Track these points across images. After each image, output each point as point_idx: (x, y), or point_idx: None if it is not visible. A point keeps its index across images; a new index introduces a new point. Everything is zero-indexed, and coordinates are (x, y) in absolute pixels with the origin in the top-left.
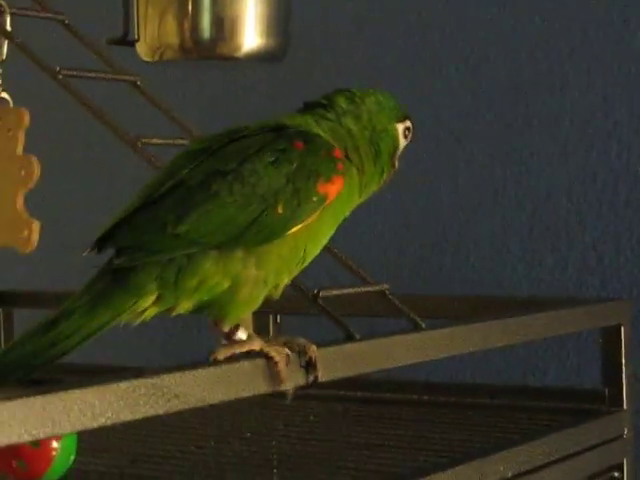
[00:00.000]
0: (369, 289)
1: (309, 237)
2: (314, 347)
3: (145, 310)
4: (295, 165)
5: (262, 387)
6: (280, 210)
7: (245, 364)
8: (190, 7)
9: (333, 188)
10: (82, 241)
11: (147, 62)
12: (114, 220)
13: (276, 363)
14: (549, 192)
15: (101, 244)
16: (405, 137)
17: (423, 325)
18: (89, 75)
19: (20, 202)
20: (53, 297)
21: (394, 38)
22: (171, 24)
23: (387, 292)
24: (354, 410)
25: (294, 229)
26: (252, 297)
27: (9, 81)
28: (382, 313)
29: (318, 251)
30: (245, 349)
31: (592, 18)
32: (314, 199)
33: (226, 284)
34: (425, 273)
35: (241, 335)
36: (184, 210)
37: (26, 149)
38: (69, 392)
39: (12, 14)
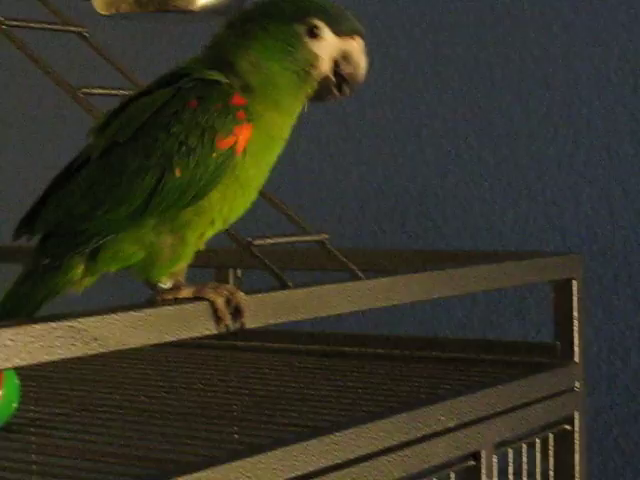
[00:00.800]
0: (307, 238)
1: (228, 194)
2: (242, 294)
3: (80, 280)
4: (187, 125)
5: (186, 330)
6: (178, 173)
7: (167, 309)
8: None
9: (239, 139)
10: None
11: (103, 16)
12: (34, 204)
13: (213, 302)
14: (510, 145)
15: (22, 230)
16: (312, 34)
17: (361, 276)
18: (34, 25)
19: None
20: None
21: None
22: None
23: (326, 242)
24: (310, 363)
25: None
26: (174, 257)
27: None
28: (321, 265)
29: (247, 203)
30: (181, 295)
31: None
32: (214, 156)
33: (142, 253)
34: (384, 227)
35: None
36: (93, 198)
37: None
38: None
39: None
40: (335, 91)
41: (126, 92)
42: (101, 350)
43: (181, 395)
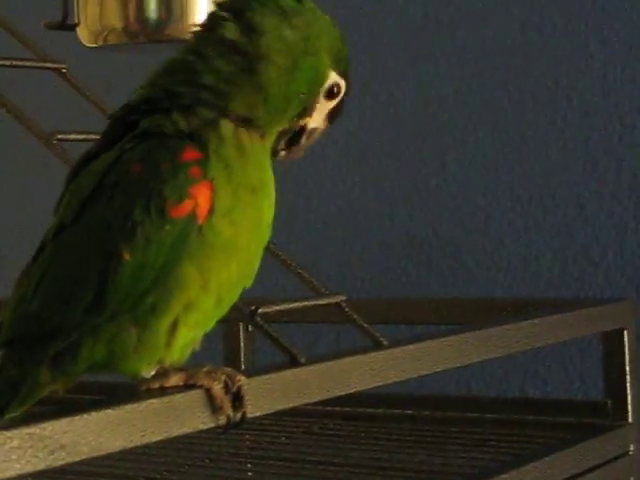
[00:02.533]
0: (320, 302)
1: (209, 266)
2: (242, 377)
3: (52, 385)
4: (130, 197)
5: (176, 426)
6: (127, 256)
7: (152, 402)
8: None
9: (199, 201)
10: None
11: (89, 47)
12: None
13: (209, 389)
14: (547, 182)
15: None
16: (329, 98)
17: (384, 342)
18: (3, 63)
19: None
20: None
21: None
22: (114, 4)
23: (343, 305)
24: (331, 428)
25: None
26: (144, 350)
27: None
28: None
29: (247, 270)
30: (170, 384)
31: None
32: (167, 228)
33: (104, 350)
34: (410, 272)
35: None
36: (43, 297)
37: None
38: None
39: None
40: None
41: None
42: (70, 460)
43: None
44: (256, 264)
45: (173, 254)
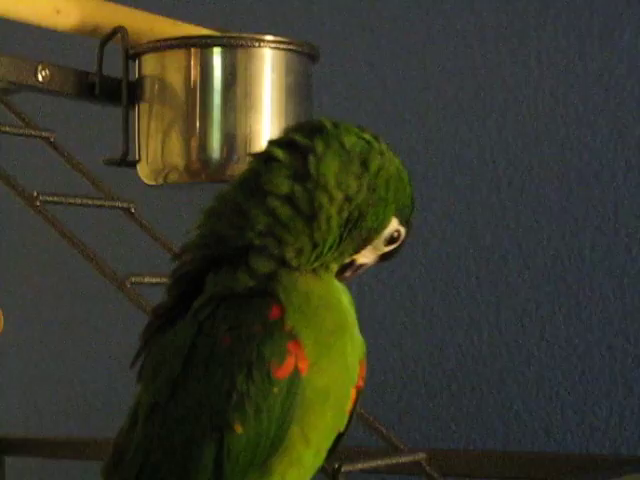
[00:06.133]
0: (401, 460)
1: (303, 425)
2: None
3: None
4: (229, 369)
5: None
6: (239, 430)
7: None
8: (198, 123)
9: (298, 354)
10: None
11: (149, 185)
12: None
13: None
14: (602, 330)
15: None
16: (387, 244)
17: None
18: (72, 201)
19: None
20: (45, 444)
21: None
22: (176, 143)
23: (423, 462)
24: None
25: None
26: None
27: None
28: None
29: (339, 417)
30: None
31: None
32: (275, 391)
33: None
34: (458, 421)
35: None
36: None
37: None
38: None
39: None
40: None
41: None
42: None
43: None
44: (348, 406)
45: (284, 416)
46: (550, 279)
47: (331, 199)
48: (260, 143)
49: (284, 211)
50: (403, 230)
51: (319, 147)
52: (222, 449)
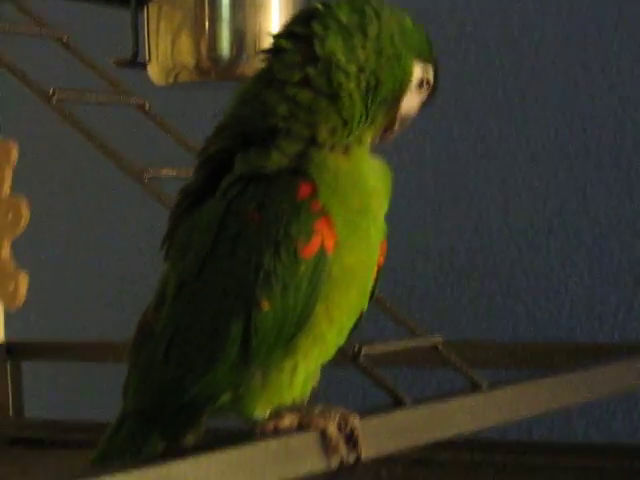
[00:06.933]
0: (419, 343)
1: (329, 303)
2: (355, 417)
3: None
4: (257, 247)
5: (292, 468)
6: (266, 307)
7: (270, 443)
8: (207, 22)
9: (325, 234)
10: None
11: (160, 86)
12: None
13: (323, 430)
14: (610, 223)
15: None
16: (420, 89)
17: (483, 385)
18: (87, 98)
19: (6, 251)
20: (59, 348)
21: None
22: (186, 42)
23: (440, 346)
24: (400, 474)
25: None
26: (279, 392)
27: None
28: (433, 367)
29: (363, 296)
30: (284, 425)
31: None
32: (302, 269)
33: (228, 398)
34: (471, 313)
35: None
36: (182, 363)
37: (14, 188)
38: None
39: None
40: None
41: None
42: None
43: None
44: (370, 286)
45: (310, 295)
46: (558, 174)
47: (346, 74)
48: (269, 41)
49: (304, 95)
50: (430, 69)
51: (319, 31)
52: (249, 325)
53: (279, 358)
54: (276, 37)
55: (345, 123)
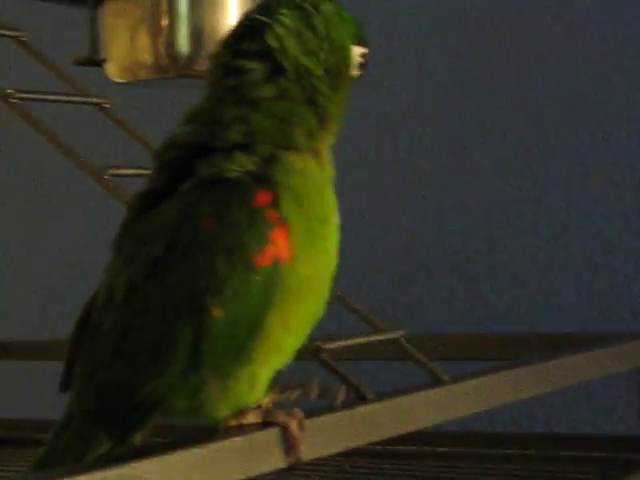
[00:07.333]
0: (380, 337)
1: (284, 313)
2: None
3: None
4: (210, 254)
5: (256, 464)
6: (218, 313)
7: (234, 440)
8: (165, 19)
9: (279, 245)
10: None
11: (118, 83)
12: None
13: (285, 427)
14: (568, 211)
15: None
16: (359, 72)
17: (445, 378)
18: (47, 98)
19: None
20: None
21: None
22: (144, 39)
23: (402, 340)
24: (361, 466)
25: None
26: (236, 399)
27: None
28: (396, 361)
29: (319, 307)
30: (247, 420)
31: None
32: (256, 279)
33: (185, 405)
34: (431, 307)
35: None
36: (132, 364)
37: None
38: None
39: None
40: None
41: None
42: None
43: None
44: (328, 293)
45: (263, 304)
46: (513, 165)
47: (317, 77)
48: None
49: (283, 107)
50: (365, 51)
51: (274, 44)
52: (200, 331)
53: (235, 366)
54: (228, 58)
55: (321, 123)
